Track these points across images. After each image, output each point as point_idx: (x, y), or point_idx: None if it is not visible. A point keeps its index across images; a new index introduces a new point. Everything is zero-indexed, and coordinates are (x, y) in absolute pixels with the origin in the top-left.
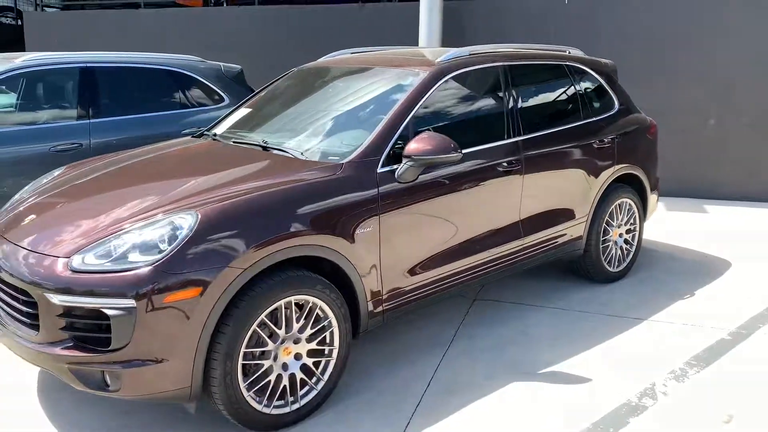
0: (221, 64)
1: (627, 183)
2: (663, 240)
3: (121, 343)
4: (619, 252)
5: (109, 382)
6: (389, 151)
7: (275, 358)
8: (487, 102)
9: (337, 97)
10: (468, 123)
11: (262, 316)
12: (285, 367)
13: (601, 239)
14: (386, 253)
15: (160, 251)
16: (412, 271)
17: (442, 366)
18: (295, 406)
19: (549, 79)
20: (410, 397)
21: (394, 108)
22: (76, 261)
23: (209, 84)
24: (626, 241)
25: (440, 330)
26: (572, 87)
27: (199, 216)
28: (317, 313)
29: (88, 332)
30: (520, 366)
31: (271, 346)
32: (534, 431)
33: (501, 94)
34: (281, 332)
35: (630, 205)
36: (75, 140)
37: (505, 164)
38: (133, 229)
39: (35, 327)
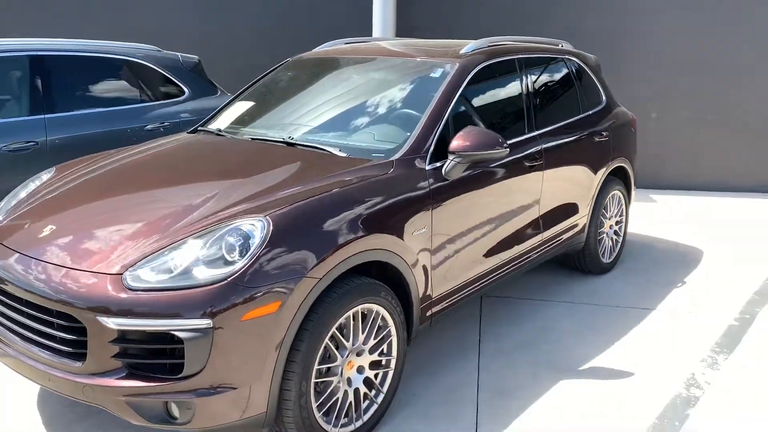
0: (179, 54)
1: (616, 175)
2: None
3: (194, 369)
4: (610, 243)
5: (176, 413)
6: (433, 147)
7: (341, 374)
8: (510, 95)
9: (363, 90)
10: (496, 116)
11: (333, 328)
12: (349, 382)
13: (598, 231)
14: (436, 254)
15: (233, 263)
16: (457, 271)
17: (482, 369)
18: (359, 423)
19: (554, 72)
20: (466, 405)
21: (433, 102)
22: (131, 278)
23: (169, 75)
24: (615, 233)
25: (462, 331)
26: (572, 80)
27: (270, 222)
28: (379, 323)
29: (149, 359)
30: (559, 363)
31: (339, 360)
32: (606, 430)
33: (521, 87)
34: (348, 344)
35: (620, 197)
36: (29, 138)
37: (530, 158)
38: (192, 239)
39: (79, 356)
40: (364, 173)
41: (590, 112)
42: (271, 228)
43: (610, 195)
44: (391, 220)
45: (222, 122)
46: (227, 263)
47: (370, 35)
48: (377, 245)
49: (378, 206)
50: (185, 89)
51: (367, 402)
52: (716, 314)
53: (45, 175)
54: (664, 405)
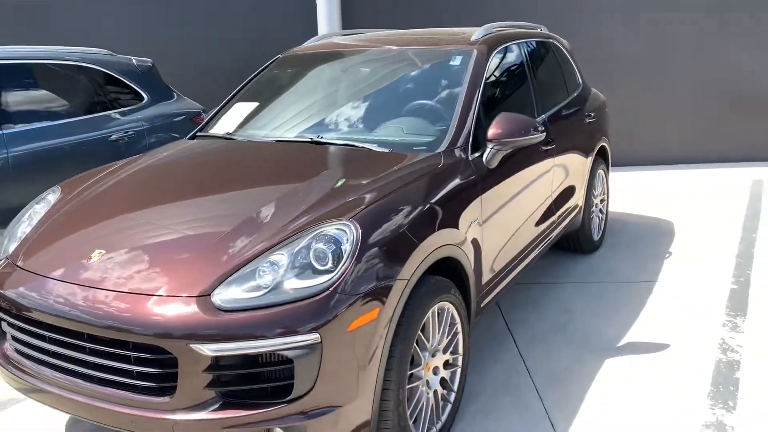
0: (132, 57)
1: (599, 155)
2: None
3: (304, 389)
4: (597, 221)
5: None
6: (472, 136)
7: (423, 377)
8: (518, 80)
9: (379, 83)
10: (513, 101)
11: (419, 331)
12: (428, 384)
13: (590, 210)
14: (485, 243)
15: (327, 271)
16: (501, 259)
17: (525, 357)
18: (439, 425)
19: (546, 56)
20: (526, 394)
21: (463, 91)
22: (221, 299)
23: (126, 81)
24: (600, 211)
25: (487, 322)
26: (558, 64)
27: (358, 226)
28: (449, 320)
29: (246, 384)
30: (595, 342)
31: (422, 363)
32: (670, 404)
33: (526, 72)
34: (429, 346)
35: (603, 176)
36: None
37: (545, 142)
38: (277, 251)
39: (164, 390)
40: (418, 168)
41: (575, 95)
42: (360, 231)
43: (597, 174)
44: (452, 214)
45: (226, 126)
46: (319, 272)
47: (316, 33)
48: (447, 240)
49: (442, 200)
50: (144, 95)
51: (443, 403)
52: (714, 281)
53: (50, 196)
54: (711, 373)
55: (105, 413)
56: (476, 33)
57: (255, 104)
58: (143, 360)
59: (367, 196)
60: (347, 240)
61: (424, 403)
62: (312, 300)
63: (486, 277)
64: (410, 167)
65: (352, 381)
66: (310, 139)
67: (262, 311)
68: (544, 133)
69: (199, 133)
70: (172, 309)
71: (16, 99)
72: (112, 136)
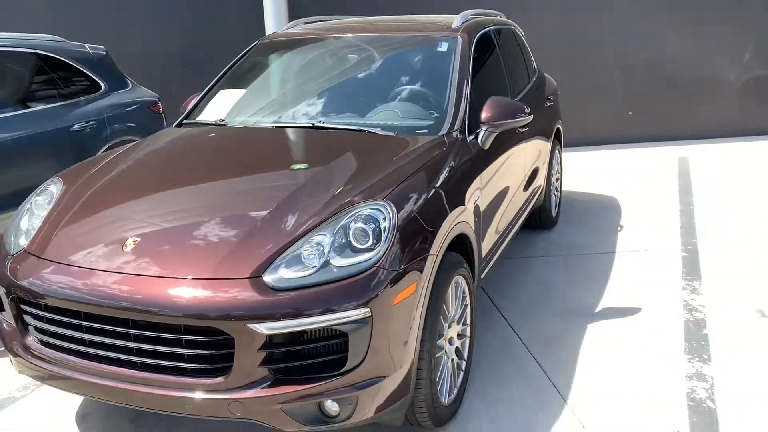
0: (86, 45)
1: (555, 137)
2: None
3: (356, 362)
4: (554, 199)
5: (333, 411)
6: (467, 119)
7: (444, 347)
8: (495, 65)
9: (369, 68)
10: (494, 85)
11: (443, 303)
12: (446, 354)
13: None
14: (484, 219)
15: (368, 249)
16: (492, 234)
17: (515, 327)
18: (455, 391)
19: (510, 42)
20: (525, 360)
21: (455, 76)
22: (273, 279)
23: (82, 68)
24: (556, 189)
25: None
26: (519, 50)
27: (392, 205)
28: (461, 293)
29: (298, 360)
30: (576, 310)
31: (445, 334)
32: (654, 361)
33: (499, 57)
34: (448, 317)
35: (558, 156)
36: None
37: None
38: (318, 231)
39: (217, 371)
40: (429, 150)
41: (534, 79)
42: (395, 209)
43: (554, 155)
44: (461, 193)
45: (215, 113)
46: (359, 250)
47: (263, 22)
48: (461, 218)
49: (453, 180)
50: (101, 83)
51: (457, 371)
52: (666, 249)
53: (51, 187)
54: (682, 331)
55: (151, 398)
56: (456, 20)
57: (241, 91)
58: (196, 343)
59: (392, 177)
60: (384, 218)
61: (445, 372)
62: (360, 276)
63: (484, 250)
64: (421, 149)
65: (395, 352)
66: (311, 125)
67: (313, 289)
68: (531, 116)
69: (185, 121)
70: (228, 291)
71: None
72: (74, 126)
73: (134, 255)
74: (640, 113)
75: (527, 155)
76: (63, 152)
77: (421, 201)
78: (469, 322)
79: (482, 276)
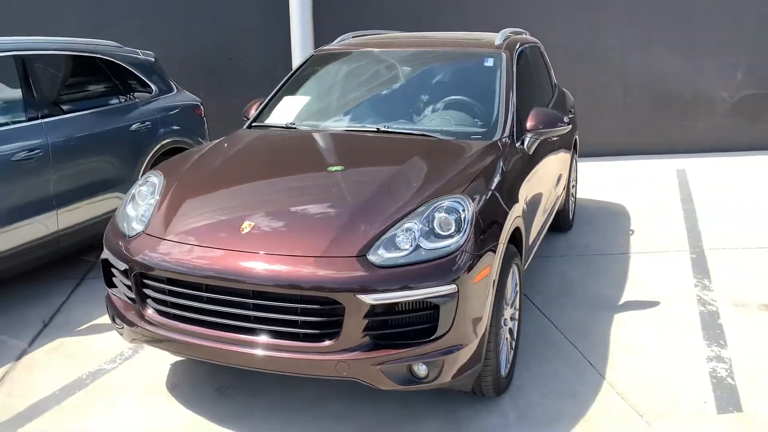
0: (138, 50)
1: (573, 147)
2: None
3: (444, 330)
4: (571, 204)
5: (421, 373)
6: (514, 127)
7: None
8: (528, 79)
9: (425, 80)
10: (533, 97)
11: (504, 287)
12: (504, 331)
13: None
14: (528, 217)
15: (450, 235)
16: (535, 231)
17: (548, 316)
18: (508, 366)
19: (537, 58)
20: (563, 345)
21: (502, 88)
22: (376, 258)
23: (136, 72)
24: (572, 195)
25: None
26: (544, 65)
27: (468, 199)
28: (515, 280)
29: (394, 328)
30: (599, 302)
31: (506, 314)
32: (677, 345)
33: (532, 72)
34: (507, 300)
35: (575, 165)
36: (33, 145)
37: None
38: (409, 219)
39: (326, 336)
40: (488, 153)
41: (557, 92)
42: (471, 202)
43: (573, 163)
44: (516, 191)
45: (282, 118)
46: (442, 236)
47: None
48: (517, 213)
49: (510, 180)
50: (152, 86)
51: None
52: (676, 251)
53: (153, 179)
54: (698, 321)
55: (268, 359)
56: (497, 38)
57: (305, 98)
58: (310, 311)
59: (464, 176)
60: (463, 210)
61: (503, 348)
62: (447, 258)
63: (528, 244)
64: (481, 152)
65: (473, 324)
66: (375, 129)
67: (409, 267)
68: (570, 125)
69: (254, 124)
70: (342, 267)
71: (48, 89)
72: (133, 126)
73: (253, 236)
74: (638, 128)
75: (556, 162)
76: (123, 150)
77: (489, 196)
78: (518, 306)
79: (524, 268)
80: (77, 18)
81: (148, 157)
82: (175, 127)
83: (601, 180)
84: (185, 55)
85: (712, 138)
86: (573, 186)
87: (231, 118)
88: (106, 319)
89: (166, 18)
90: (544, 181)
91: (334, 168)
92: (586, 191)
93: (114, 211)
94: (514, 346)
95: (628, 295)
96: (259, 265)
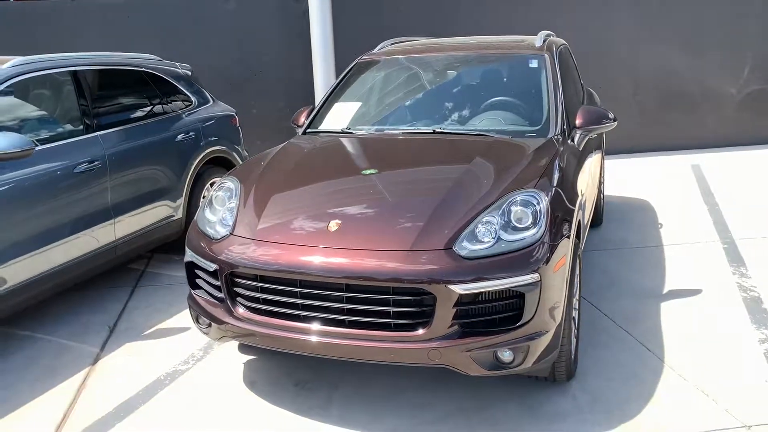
0: (177, 63)
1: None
2: None
3: (528, 317)
4: (601, 199)
5: (507, 359)
6: (565, 125)
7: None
8: (565, 78)
9: (472, 82)
10: (573, 95)
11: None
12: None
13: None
14: (584, 208)
15: (527, 228)
16: (587, 220)
17: (597, 306)
18: (574, 352)
19: (568, 58)
20: (615, 331)
21: (550, 88)
22: (462, 251)
23: (177, 85)
24: (601, 191)
25: None
26: (574, 65)
27: (541, 192)
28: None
29: (480, 316)
30: (644, 291)
31: (575, 303)
32: (729, 328)
33: (571, 73)
34: (575, 289)
35: (604, 162)
36: (92, 157)
37: None
38: (488, 213)
39: (417, 326)
40: (548, 150)
41: (586, 91)
42: (545, 196)
43: (602, 160)
44: (575, 184)
45: (336, 123)
46: (520, 229)
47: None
48: (580, 205)
49: (570, 174)
50: (192, 98)
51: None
52: (708, 243)
53: (228, 184)
54: (743, 306)
55: (362, 349)
56: (537, 40)
57: (355, 104)
58: (402, 302)
59: (531, 171)
60: (538, 203)
61: (573, 334)
62: (528, 249)
63: (585, 235)
64: (540, 149)
65: (553, 311)
66: (432, 131)
67: (495, 258)
68: (616, 122)
69: (308, 130)
70: (432, 259)
71: (101, 103)
72: (178, 137)
73: (342, 234)
74: (650, 125)
75: (595, 159)
76: (170, 159)
77: (557, 190)
78: (577, 295)
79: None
80: (101, 34)
81: (193, 166)
82: (214, 137)
83: (620, 176)
84: (205, 67)
85: (722, 133)
86: (602, 182)
87: (252, 127)
88: (168, 323)
89: (186, 31)
90: (590, 176)
91: (403, 168)
92: (608, 188)
93: (164, 219)
94: (576, 333)
95: (669, 285)
96: (351, 261)
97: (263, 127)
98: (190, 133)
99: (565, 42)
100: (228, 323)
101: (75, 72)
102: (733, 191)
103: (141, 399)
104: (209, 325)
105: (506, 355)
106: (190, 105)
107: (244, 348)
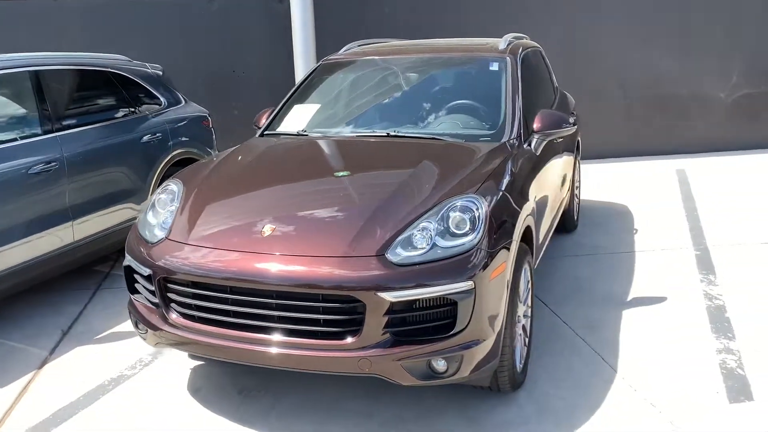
0: (147, 64)
1: (576, 149)
2: None
3: (462, 326)
4: (575, 204)
5: (440, 368)
6: (522, 129)
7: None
8: (531, 82)
9: (431, 85)
10: (537, 99)
11: (518, 284)
12: (518, 328)
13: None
14: (538, 216)
15: (465, 234)
16: (543, 230)
17: (558, 314)
18: (522, 363)
19: (538, 61)
20: (573, 340)
21: (508, 92)
22: (394, 257)
23: (145, 85)
24: (575, 196)
25: None
26: (546, 68)
27: (481, 198)
28: (527, 278)
29: (413, 324)
30: (608, 299)
31: (520, 311)
32: (687, 338)
33: (535, 75)
34: (520, 297)
35: (578, 166)
36: (49, 158)
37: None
38: (424, 219)
39: (347, 334)
40: (499, 154)
41: (559, 95)
42: (485, 202)
43: (576, 164)
44: (526, 190)
45: (293, 125)
46: (458, 235)
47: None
48: (528, 212)
49: (520, 180)
50: (161, 99)
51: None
52: (680, 249)
53: (172, 186)
54: (706, 315)
55: (290, 358)
56: (501, 43)
57: (314, 106)
58: (333, 310)
59: (476, 176)
60: (477, 209)
61: (518, 343)
62: (463, 255)
63: (538, 242)
64: (491, 154)
65: (490, 320)
66: (386, 134)
67: (428, 265)
68: (575, 126)
69: (266, 132)
70: (362, 266)
71: (62, 103)
72: (144, 138)
73: (274, 239)
74: (637, 129)
75: (561, 164)
76: (135, 161)
77: (502, 196)
78: (530, 303)
79: (535, 266)
80: (82, 33)
81: (159, 167)
82: (184, 138)
83: (602, 181)
84: (188, 68)
85: (710, 138)
86: (577, 187)
87: (234, 128)
88: (124, 327)
89: (170, 31)
90: (551, 181)
91: (347, 172)
92: (588, 192)
93: (128, 221)
94: (527, 342)
95: (635, 292)
96: (281, 267)
97: (245, 127)
98: (157, 134)
99: (536, 45)
100: (162, 330)
101: (36, 72)
102: (715, 197)
103: (81, 404)
104: (146, 332)
105: (440, 365)
106: (159, 106)
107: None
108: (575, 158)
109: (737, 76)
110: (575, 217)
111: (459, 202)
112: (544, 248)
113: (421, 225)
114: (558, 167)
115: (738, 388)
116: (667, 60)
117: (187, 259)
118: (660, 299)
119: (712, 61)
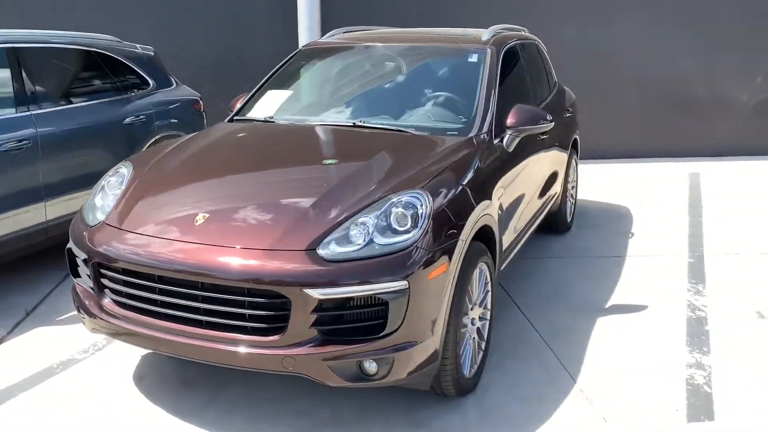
0: (137, 45)
1: (573, 146)
2: None
3: (394, 327)
4: (570, 205)
5: (371, 370)
6: (493, 124)
7: (469, 325)
8: (519, 75)
9: (405, 75)
10: (518, 94)
11: (468, 285)
12: (470, 331)
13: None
14: (505, 216)
15: (407, 231)
16: (513, 232)
17: (530, 318)
18: (475, 367)
19: (532, 55)
20: (538, 345)
21: (484, 85)
22: (325, 252)
23: (133, 66)
24: (571, 196)
25: None
26: (541, 62)
27: (428, 194)
28: (484, 279)
29: (343, 324)
30: (585, 305)
31: (470, 313)
32: (657, 351)
33: (523, 69)
34: (473, 299)
35: (575, 165)
36: (21, 136)
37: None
38: (364, 213)
39: (273, 330)
40: (460, 149)
41: (555, 91)
42: (431, 198)
43: (571, 164)
44: (488, 189)
45: (263, 111)
46: (399, 232)
47: (293, 27)
48: (486, 210)
49: (481, 177)
50: (150, 81)
51: (478, 350)
52: (675, 256)
53: (123, 170)
54: (684, 326)
55: (214, 352)
56: (485, 34)
57: (287, 92)
58: (257, 304)
59: (428, 171)
60: (421, 205)
61: (468, 348)
62: (400, 253)
63: (505, 244)
64: (452, 148)
65: (428, 322)
66: (352, 124)
67: (360, 262)
68: (553, 123)
69: (236, 117)
70: (288, 260)
71: (40, 81)
72: (126, 120)
73: (205, 228)
74: (653, 129)
75: (546, 161)
76: (115, 143)
77: (453, 193)
78: (489, 306)
79: (501, 268)
80: (85, 16)
81: (143, 150)
82: (172, 121)
83: (609, 182)
84: (195, 52)
85: (728, 141)
86: (572, 187)
87: None
88: None
89: (176, 15)
90: (529, 180)
91: (301, 162)
92: (593, 193)
93: None
94: (484, 347)
95: (616, 299)
96: (207, 257)
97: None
98: (141, 116)
99: (533, 38)
100: (98, 317)
101: (14, 49)
102: (723, 203)
103: (22, 386)
104: (85, 317)
105: (371, 367)
106: (147, 88)
107: None
108: (569, 157)
109: (761, 78)
110: (568, 219)
111: (404, 198)
112: (516, 250)
113: (360, 220)
114: (540, 165)
115: (700, 407)
116: (687, 59)
117: (119, 244)
118: (640, 307)
119: (734, 62)
